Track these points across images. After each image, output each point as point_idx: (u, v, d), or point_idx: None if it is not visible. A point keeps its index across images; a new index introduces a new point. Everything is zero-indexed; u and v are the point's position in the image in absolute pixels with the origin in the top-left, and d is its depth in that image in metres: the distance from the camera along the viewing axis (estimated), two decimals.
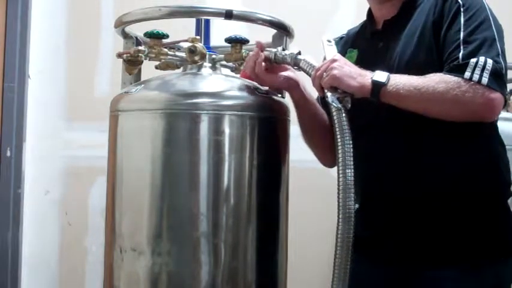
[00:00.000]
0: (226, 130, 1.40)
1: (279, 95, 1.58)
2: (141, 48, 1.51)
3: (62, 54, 2.68)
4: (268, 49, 1.49)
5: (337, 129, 1.32)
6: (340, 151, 1.30)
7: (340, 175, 1.30)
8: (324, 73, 1.36)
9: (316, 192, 2.26)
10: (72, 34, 2.68)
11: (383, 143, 1.47)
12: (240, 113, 1.42)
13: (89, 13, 2.68)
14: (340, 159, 1.30)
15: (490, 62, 1.32)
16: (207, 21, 1.60)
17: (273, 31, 1.61)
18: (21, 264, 2.59)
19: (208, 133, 1.40)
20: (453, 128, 1.39)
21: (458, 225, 1.43)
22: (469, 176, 1.43)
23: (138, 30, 1.61)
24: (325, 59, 1.42)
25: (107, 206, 1.52)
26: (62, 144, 2.67)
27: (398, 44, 1.48)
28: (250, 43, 1.62)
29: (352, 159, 1.30)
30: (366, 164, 1.42)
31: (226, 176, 1.40)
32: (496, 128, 1.50)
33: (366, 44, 1.60)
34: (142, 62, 1.52)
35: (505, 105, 2.40)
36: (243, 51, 1.57)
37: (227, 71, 1.66)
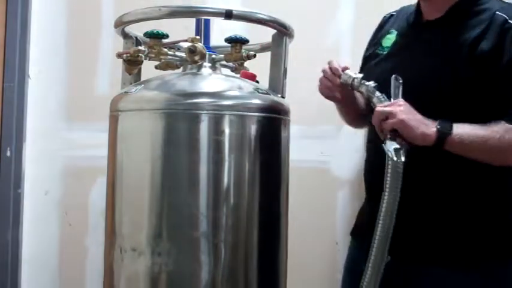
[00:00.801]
0: (226, 130, 1.40)
1: (279, 95, 1.58)
2: (141, 48, 1.51)
3: (62, 54, 2.68)
4: (345, 73, 1.51)
5: (388, 178, 1.32)
6: (385, 200, 1.32)
7: (381, 224, 1.33)
8: (390, 115, 1.35)
9: (316, 192, 2.26)
10: (72, 34, 2.68)
11: None
12: (240, 113, 1.42)
13: (89, 13, 2.68)
14: (384, 207, 1.32)
15: None
16: (207, 21, 1.60)
17: (273, 31, 1.60)
18: (21, 264, 2.59)
19: (208, 133, 1.40)
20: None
21: (456, 227, 1.46)
22: (476, 194, 1.46)
23: (138, 30, 1.61)
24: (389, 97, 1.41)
25: (107, 206, 1.52)
26: (62, 144, 2.67)
27: (433, 49, 1.47)
28: (250, 43, 1.62)
29: (396, 206, 1.31)
30: (377, 156, 1.43)
31: (226, 176, 1.40)
32: None
33: (406, 31, 1.59)
34: (142, 62, 1.52)
35: None
36: (243, 51, 1.57)
37: (227, 71, 1.66)
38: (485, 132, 1.35)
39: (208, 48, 1.57)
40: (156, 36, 1.51)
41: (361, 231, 1.66)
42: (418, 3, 1.60)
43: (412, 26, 1.59)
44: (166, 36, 1.53)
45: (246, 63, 1.64)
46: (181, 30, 1.57)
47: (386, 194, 1.32)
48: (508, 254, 1.48)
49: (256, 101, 1.46)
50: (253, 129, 1.44)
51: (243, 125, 1.43)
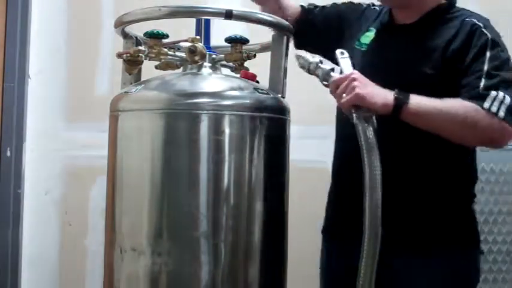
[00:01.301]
0: (226, 130, 1.40)
1: (279, 95, 1.58)
2: (141, 48, 1.51)
3: (62, 54, 2.68)
4: (302, 57, 1.49)
5: (365, 152, 1.32)
6: (368, 174, 1.32)
7: (367, 200, 1.31)
8: (345, 92, 1.38)
9: (316, 192, 2.26)
10: (72, 34, 2.68)
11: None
12: (240, 113, 1.42)
13: (89, 13, 2.68)
14: (367, 182, 1.31)
15: (508, 98, 1.41)
16: (207, 21, 1.60)
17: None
18: (21, 264, 2.59)
19: (208, 133, 1.40)
20: (444, 146, 1.48)
21: (425, 218, 1.52)
22: (443, 182, 1.53)
23: (138, 30, 1.61)
24: (341, 72, 1.43)
25: (107, 206, 1.52)
26: (62, 144, 2.67)
27: (410, 50, 1.53)
28: (250, 43, 1.62)
29: (380, 181, 1.31)
30: (346, 144, 1.49)
31: (226, 176, 1.40)
32: (475, 155, 1.62)
33: (383, 31, 1.63)
34: (142, 62, 1.52)
35: None
36: (243, 51, 1.57)
37: (227, 71, 1.66)
38: (441, 104, 1.41)
39: (208, 48, 1.57)
40: (156, 36, 1.51)
41: (334, 227, 1.70)
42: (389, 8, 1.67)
43: (385, 28, 1.64)
44: (166, 36, 1.53)
45: (246, 63, 1.64)
46: (181, 30, 1.56)
47: (366, 170, 1.32)
48: (469, 242, 1.57)
49: (257, 101, 1.46)
50: (253, 129, 1.44)
51: (243, 125, 1.43)
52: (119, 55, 1.55)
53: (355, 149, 1.37)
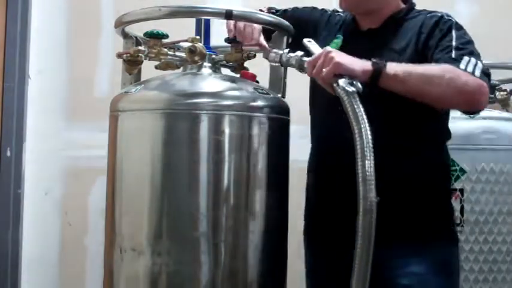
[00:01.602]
0: (226, 130, 1.40)
1: (279, 95, 1.58)
2: (141, 48, 1.51)
3: (62, 54, 2.68)
4: (272, 52, 1.50)
5: (352, 118, 1.31)
6: (358, 141, 1.31)
7: (360, 166, 1.30)
8: (324, 65, 1.38)
9: None
10: (72, 34, 2.68)
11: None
12: (240, 113, 1.42)
13: (89, 13, 2.68)
14: (358, 150, 1.30)
15: (480, 64, 1.46)
16: (207, 21, 1.60)
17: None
18: (21, 264, 2.59)
19: (208, 133, 1.40)
20: (415, 135, 1.54)
21: (408, 211, 1.55)
22: (421, 173, 1.56)
23: (138, 30, 1.61)
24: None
25: (107, 206, 1.52)
26: (62, 144, 2.67)
27: (382, 53, 1.53)
28: None
29: (371, 149, 1.30)
30: (327, 137, 1.54)
31: (226, 176, 1.40)
32: (445, 141, 1.65)
33: (350, 37, 1.63)
34: (142, 62, 1.52)
35: (505, 105, 2.41)
36: (243, 51, 1.57)
37: (227, 71, 1.66)
38: (417, 66, 1.44)
39: (208, 48, 1.57)
40: (156, 36, 1.51)
41: (316, 231, 1.69)
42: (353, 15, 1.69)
43: (352, 34, 1.66)
44: (166, 36, 1.53)
45: (246, 63, 1.64)
46: (181, 30, 1.56)
47: (356, 137, 1.31)
48: (450, 238, 1.61)
49: (256, 101, 1.46)
50: (253, 129, 1.44)
51: (243, 125, 1.43)
52: (119, 55, 1.55)
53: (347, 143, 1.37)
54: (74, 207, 2.66)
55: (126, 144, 1.47)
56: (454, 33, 1.52)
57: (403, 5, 1.65)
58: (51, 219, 2.66)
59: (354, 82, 1.35)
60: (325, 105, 1.59)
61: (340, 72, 1.37)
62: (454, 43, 1.49)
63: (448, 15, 1.57)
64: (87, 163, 2.62)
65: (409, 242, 1.53)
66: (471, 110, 1.56)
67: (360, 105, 1.32)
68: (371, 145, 1.30)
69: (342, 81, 1.35)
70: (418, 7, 1.69)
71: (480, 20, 2.66)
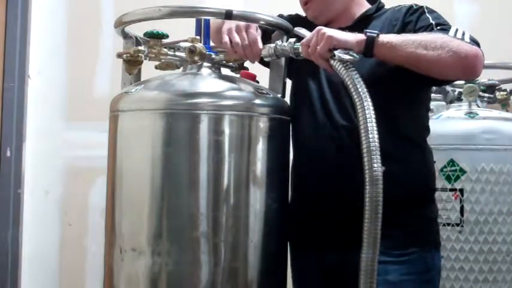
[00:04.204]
0: (226, 130, 1.40)
1: (279, 95, 1.58)
2: (141, 48, 1.51)
3: (62, 54, 2.68)
4: (264, 46, 1.50)
5: (352, 91, 1.33)
6: (360, 112, 1.31)
7: (363, 137, 1.30)
8: (318, 43, 1.39)
9: None
10: (72, 34, 2.68)
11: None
12: (240, 113, 1.42)
13: (89, 13, 2.68)
14: (361, 120, 1.31)
15: (467, 33, 1.45)
16: (207, 21, 1.60)
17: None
18: (21, 264, 2.59)
19: (208, 133, 1.40)
20: (397, 138, 1.50)
21: (390, 216, 1.44)
22: (404, 177, 1.51)
23: (138, 30, 1.61)
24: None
25: (107, 206, 1.52)
26: (62, 144, 2.67)
27: None
28: None
29: (374, 120, 1.31)
30: (312, 135, 1.53)
31: (226, 176, 1.41)
32: (426, 140, 1.62)
33: None
34: (142, 62, 1.52)
35: (505, 105, 2.41)
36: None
37: (227, 71, 1.66)
38: (409, 35, 1.44)
39: (208, 48, 1.57)
40: (156, 36, 1.51)
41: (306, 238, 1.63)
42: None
43: None
44: (166, 36, 1.53)
45: (246, 63, 1.64)
46: (181, 30, 1.56)
47: (358, 108, 1.31)
48: (432, 242, 1.58)
49: (256, 101, 1.46)
50: (253, 129, 1.44)
51: (242, 125, 1.43)
52: (119, 55, 1.55)
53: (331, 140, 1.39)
54: (74, 207, 2.66)
55: (126, 144, 1.47)
56: (428, 14, 1.53)
57: (369, 5, 1.66)
58: (51, 219, 2.66)
59: (350, 52, 1.37)
60: (308, 106, 1.58)
61: (335, 45, 1.38)
62: (432, 21, 1.50)
63: (416, 4, 1.58)
64: (87, 163, 2.62)
65: (390, 248, 1.46)
66: (467, 74, 1.55)
67: (359, 78, 1.34)
68: (373, 116, 1.31)
69: (337, 52, 1.37)
70: None
71: (480, 20, 2.66)
